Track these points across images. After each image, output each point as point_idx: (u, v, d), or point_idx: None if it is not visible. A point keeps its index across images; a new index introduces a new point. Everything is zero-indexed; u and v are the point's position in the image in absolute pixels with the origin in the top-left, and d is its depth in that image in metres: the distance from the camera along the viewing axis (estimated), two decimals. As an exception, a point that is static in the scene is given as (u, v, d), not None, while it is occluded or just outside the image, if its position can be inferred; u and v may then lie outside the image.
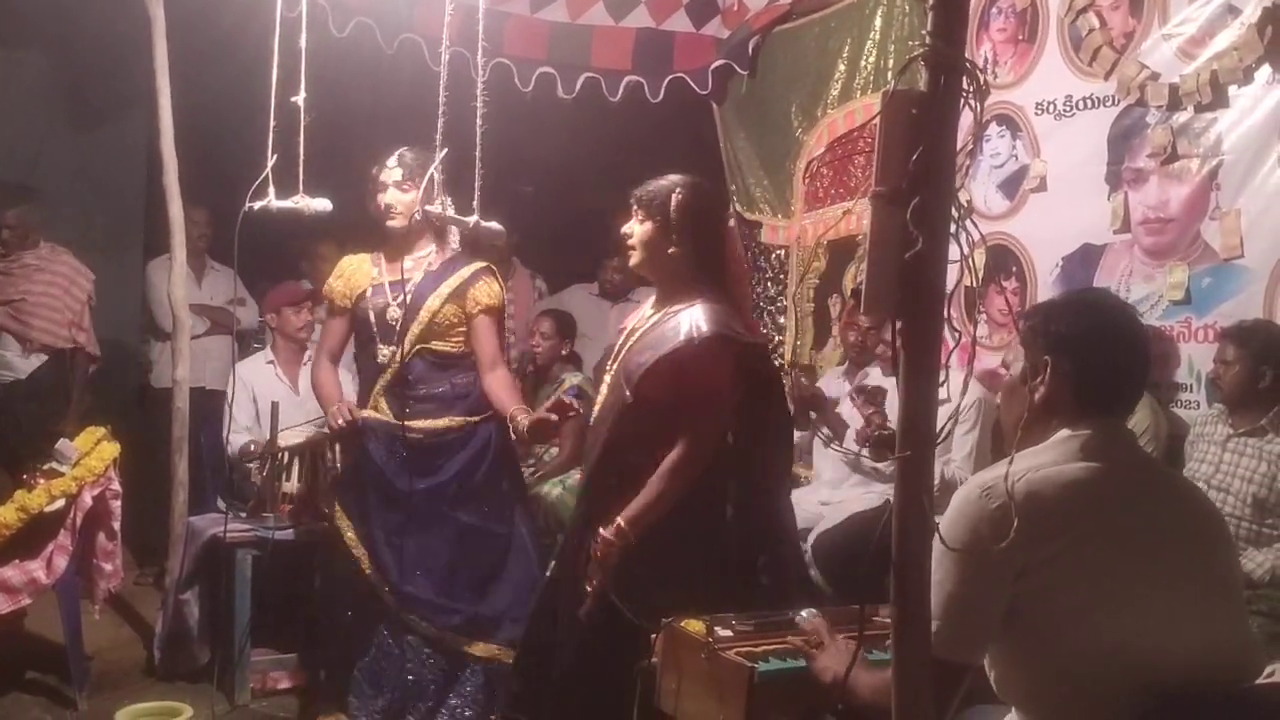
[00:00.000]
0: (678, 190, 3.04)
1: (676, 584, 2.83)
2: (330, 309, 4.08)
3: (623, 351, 3.10)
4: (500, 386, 3.84)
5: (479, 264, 3.90)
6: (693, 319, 2.91)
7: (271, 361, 5.17)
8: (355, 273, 3.99)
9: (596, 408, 3.15)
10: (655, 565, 2.89)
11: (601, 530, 2.93)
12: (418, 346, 3.83)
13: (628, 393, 2.94)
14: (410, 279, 3.84)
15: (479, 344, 3.87)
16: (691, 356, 2.88)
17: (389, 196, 3.81)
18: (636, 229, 3.07)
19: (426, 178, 3.56)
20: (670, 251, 3.02)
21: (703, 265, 3.02)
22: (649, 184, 3.09)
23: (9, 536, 3.87)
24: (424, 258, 3.89)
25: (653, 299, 3.18)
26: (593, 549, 2.96)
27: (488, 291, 3.87)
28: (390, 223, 3.84)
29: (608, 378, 3.12)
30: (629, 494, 2.94)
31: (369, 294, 3.91)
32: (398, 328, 3.81)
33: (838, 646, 2.32)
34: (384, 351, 3.85)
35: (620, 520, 2.91)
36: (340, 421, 3.82)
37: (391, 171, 3.81)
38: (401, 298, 3.83)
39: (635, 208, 3.08)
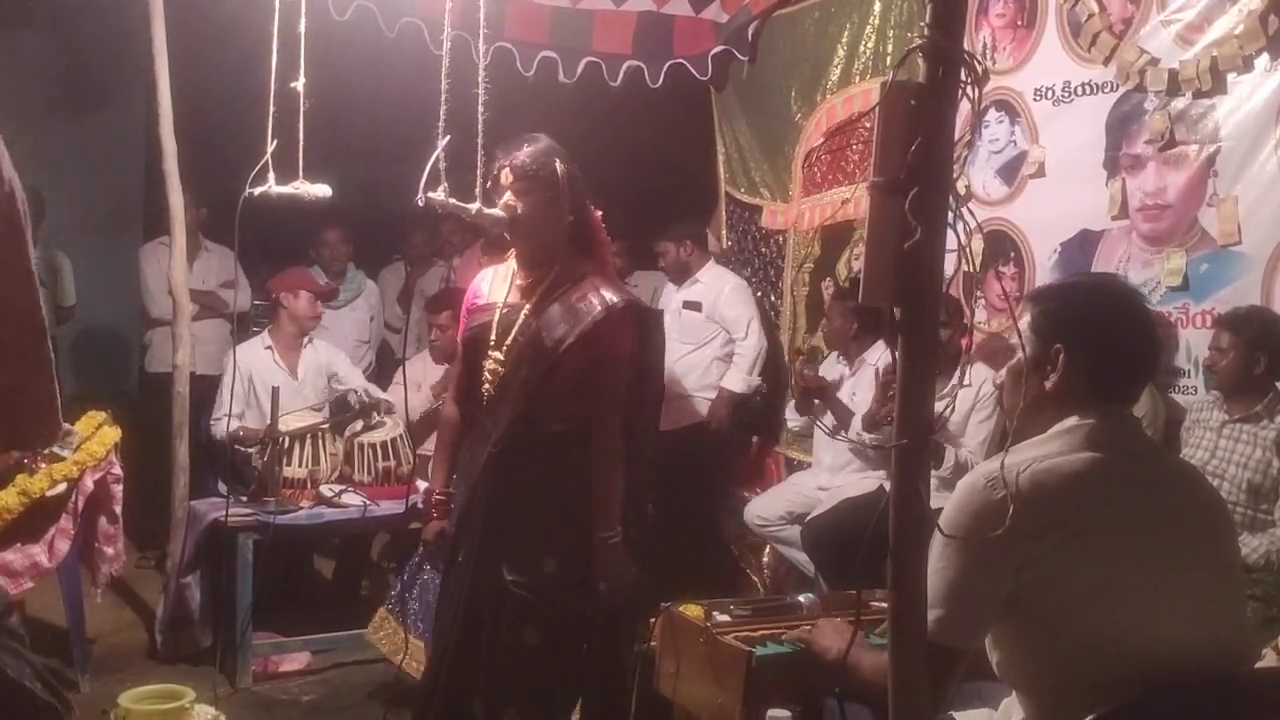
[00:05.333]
0: (558, 159, 2.97)
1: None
2: None
3: (512, 328, 3.02)
4: None
5: None
6: (599, 290, 2.97)
7: (270, 347, 5.12)
8: None
9: (489, 387, 3.03)
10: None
11: (600, 550, 2.92)
12: None
13: (544, 366, 2.94)
14: None
15: None
16: (610, 327, 2.96)
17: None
18: (522, 202, 2.95)
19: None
20: (564, 222, 3.00)
21: (586, 234, 3.06)
22: (520, 152, 2.96)
23: (11, 520, 3.88)
24: None
25: (503, 269, 3.15)
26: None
27: None
28: None
29: (499, 354, 3.01)
30: (542, 467, 2.97)
31: None
32: None
33: (834, 625, 2.34)
34: None
35: (602, 532, 2.92)
36: None
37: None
38: None
39: (514, 179, 2.95)
